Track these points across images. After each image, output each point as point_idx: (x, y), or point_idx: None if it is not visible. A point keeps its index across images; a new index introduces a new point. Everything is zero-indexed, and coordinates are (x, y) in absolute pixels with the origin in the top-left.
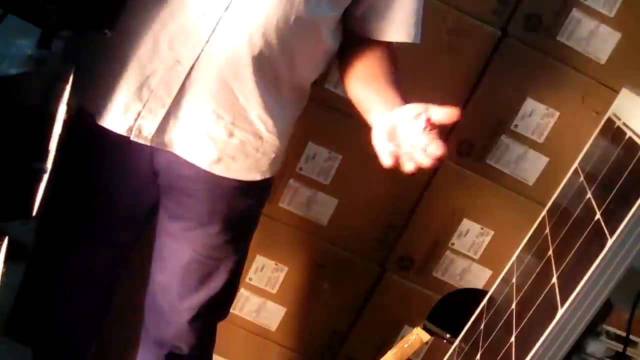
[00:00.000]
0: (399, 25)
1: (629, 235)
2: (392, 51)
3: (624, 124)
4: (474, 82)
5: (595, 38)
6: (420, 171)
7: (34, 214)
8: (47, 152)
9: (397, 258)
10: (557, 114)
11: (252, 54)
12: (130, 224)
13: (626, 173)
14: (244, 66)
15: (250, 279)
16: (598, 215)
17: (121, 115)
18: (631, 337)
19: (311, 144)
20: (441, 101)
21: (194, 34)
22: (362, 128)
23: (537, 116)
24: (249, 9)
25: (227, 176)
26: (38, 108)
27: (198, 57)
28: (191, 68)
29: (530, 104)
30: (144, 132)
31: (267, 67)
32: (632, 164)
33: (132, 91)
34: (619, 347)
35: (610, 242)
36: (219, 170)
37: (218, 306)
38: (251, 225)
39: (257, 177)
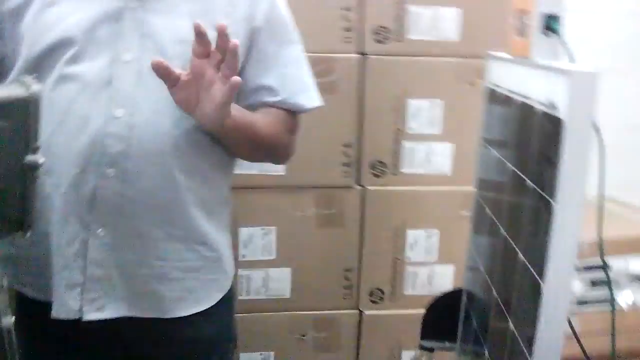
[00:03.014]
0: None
1: (572, 194)
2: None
3: (508, 90)
4: (358, 110)
5: (440, 22)
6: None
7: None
8: None
9: (368, 294)
10: (440, 101)
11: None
12: None
13: (532, 134)
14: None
15: None
16: (529, 183)
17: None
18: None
19: (243, 229)
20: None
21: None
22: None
23: (425, 111)
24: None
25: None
26: None
27: None
28: None
29: (413, 105)
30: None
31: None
32: (533, 124)
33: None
34: (597, 276)
35: (555, 205)
36: None
37: None
38: None
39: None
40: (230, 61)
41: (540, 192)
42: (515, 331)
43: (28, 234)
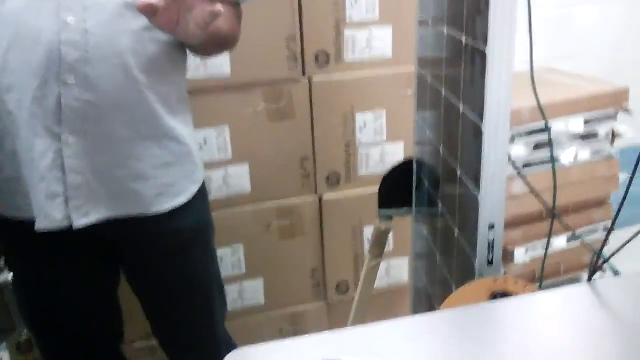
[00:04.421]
0: None
1: (501, 36)
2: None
3: None
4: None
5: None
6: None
7: None
8: None
9: (325, 179)
10: None
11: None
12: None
13: None
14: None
15: None
16: (464, 40)
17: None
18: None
19: (197, 132)
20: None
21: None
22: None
23: None
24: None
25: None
26: None
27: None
28: None
29: None
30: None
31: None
32: None
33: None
34: (539, 139)
35: (487, 48)
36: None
37: None
38: None
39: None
40: None
41: (473, 44)
42: (463, 177)
43: None
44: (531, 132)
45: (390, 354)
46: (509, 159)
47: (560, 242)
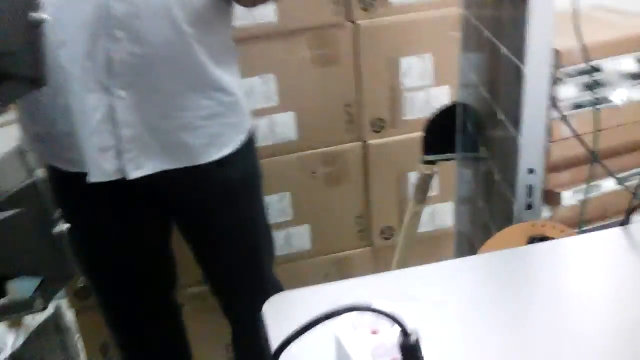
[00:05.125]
0: None
1: None
2: None
3: None
4: None
5: None
6: None
7: None
8: None
9: (370, 124)
10: None
11: None
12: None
13: None
14: None
15: None
16: None
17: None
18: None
19: (243, 80)
20: None
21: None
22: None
23: None
24: None
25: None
26: None
27: None
28: None
29: None
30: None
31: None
32: None
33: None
34: (584, 80)
35: None
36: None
37: None
38: None
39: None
40: None
41: None
42: (504, 120)
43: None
44: (582, 72)
45: (426, 296)
46: (554, 101)
47: (608, 184)
